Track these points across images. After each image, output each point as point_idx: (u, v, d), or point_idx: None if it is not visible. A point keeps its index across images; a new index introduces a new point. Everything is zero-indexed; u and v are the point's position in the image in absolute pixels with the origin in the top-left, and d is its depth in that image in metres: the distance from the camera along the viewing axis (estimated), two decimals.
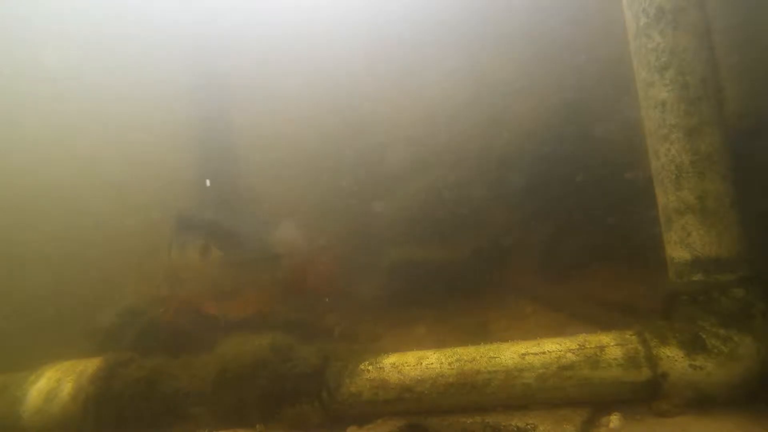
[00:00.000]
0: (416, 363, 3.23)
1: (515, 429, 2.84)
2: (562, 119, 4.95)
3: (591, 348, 2.98)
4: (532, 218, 5.04)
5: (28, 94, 6.56)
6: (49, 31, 6.67)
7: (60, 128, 6.47)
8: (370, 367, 3.32)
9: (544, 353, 3.03)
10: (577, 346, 3.01)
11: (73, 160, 6.24)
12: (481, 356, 3.13)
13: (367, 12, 5.93)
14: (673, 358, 2.83)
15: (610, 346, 2.97)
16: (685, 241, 3.01)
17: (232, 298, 4.68)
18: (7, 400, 3.77)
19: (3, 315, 5.45)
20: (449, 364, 3.15)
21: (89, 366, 3.81)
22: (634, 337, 3.00)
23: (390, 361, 3.31)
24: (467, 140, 5.41)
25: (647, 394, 2.87)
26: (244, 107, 6.32)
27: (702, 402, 2.75)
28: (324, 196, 5.84)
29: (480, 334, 4.14)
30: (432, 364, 3.19)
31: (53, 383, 3.73)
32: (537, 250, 5.10)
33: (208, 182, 5.65)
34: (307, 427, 3.35)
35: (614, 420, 2.80)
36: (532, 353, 3.05)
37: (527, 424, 2.82)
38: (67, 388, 3.67)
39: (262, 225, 5.41)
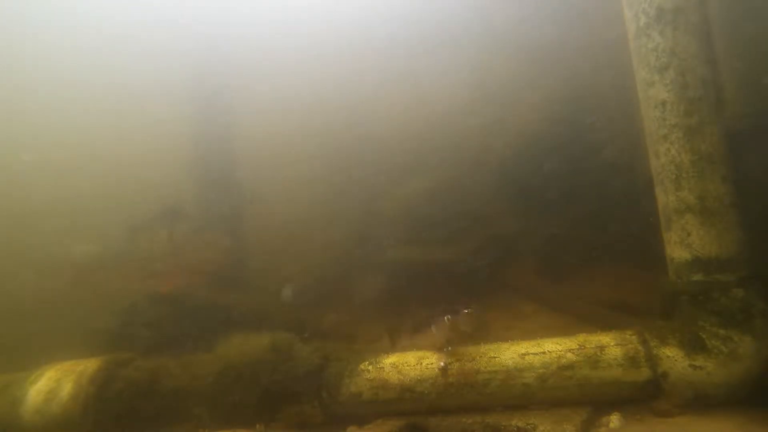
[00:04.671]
0: (416, 363, 3.23)
1: (515, 429, 2.84)
2: (561, 119, 4.94)
3: (591, 348, 2.99)
4: (533, 218, 5.04)
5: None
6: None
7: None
8: (370, 367, 3.32)
9: (544, 353, 3.03)
10: (577, 346, 3.01)
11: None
12: (481, 356, 3.13)
13: (366, 14, 5.93)
14: (673, 358, 2.83)
15: (610, 346, 2.97)
16: (685, 241, 3.01)
17: None
18: (7, 400, 3.77)
19: None
20: (449, 363, 3.15)
21: (89, 366, 3.80)
22: (634, 337, 3.00)
23: (390, 361, 3.31)
24: (469, 141, 5.41)
25: (647, 394, 2.87)
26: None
27: (702, 402, 2.76)
28: (324, 197, 5.84)
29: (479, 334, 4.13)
30: (432, 364, 3.18)
31: (53, 383, 3.73)
32: (537, 250, 5.09)
33: None
34: (307, 427, 3.34)
35: (614, 420, 2.80)
36: (532, 353, 3.05)
37: (527, 424, 2.82)
38: (67, 389, 3.67)
39: None
